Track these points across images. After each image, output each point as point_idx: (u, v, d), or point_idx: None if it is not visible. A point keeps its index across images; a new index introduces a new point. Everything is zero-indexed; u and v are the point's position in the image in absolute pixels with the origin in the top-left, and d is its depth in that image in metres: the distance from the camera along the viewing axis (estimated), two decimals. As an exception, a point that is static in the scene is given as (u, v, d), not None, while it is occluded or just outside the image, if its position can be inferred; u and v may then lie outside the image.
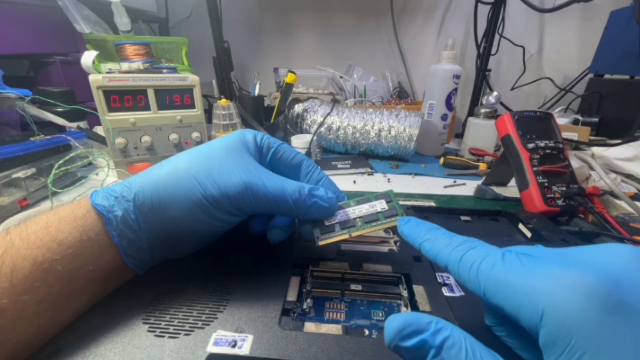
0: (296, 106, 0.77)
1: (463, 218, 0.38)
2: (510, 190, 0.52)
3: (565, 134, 0.69)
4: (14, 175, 0.42)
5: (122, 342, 0.18)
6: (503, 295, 0.15)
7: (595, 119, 0.82)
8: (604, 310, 0.12)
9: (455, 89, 0.70)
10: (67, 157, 0.45)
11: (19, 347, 0.18)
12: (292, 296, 0.23)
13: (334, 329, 0.20)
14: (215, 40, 0.83)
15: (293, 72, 0.69)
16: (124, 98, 0.50)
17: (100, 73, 0.49)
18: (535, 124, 0.45)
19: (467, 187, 0.56)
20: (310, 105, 0.75)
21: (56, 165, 0.43)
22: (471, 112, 0.85)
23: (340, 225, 0.24)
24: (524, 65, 0.99)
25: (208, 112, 0.69)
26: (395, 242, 0.30)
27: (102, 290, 0.22)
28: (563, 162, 0.43)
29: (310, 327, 0.20)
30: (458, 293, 0.23)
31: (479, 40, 0.87)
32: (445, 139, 0.75)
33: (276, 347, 0.18)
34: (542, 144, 0.43)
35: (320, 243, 0.24)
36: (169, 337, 0.19)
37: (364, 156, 0.72)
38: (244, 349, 0.18)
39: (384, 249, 0.29)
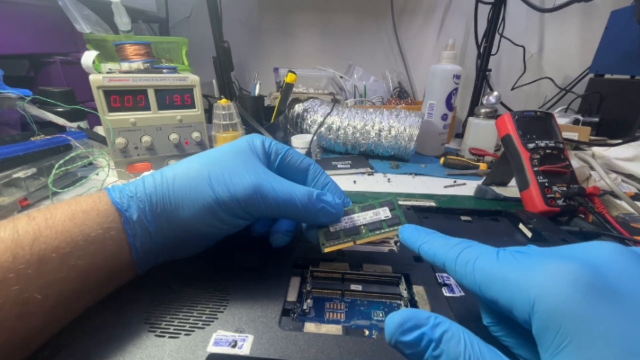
0: (296, 106, 0.77)
1: (463, 218, 0.38)
2: (511, 190, 0.52)
3: (566, 134, 0.69)
4: (14, 175, 0.42)
5: (122, 342, 0.18)
6: (497, 288, 0.15)
7: (596, 119, 0.82)
8: (590, 295, 0.12)
9: (456, 89, 0.70)
10: (67, 157, 0.45)
11: (19, 344, 0.17)
12: (292, 296, 0.23)
13: (334, 329, 0.20)
14: (215, 40, 0.83)
15: (293, 72, 0.69)
16: (124, 98, 0.50)
17: (101, 73, 0.49)
18: (536, 124, 0.45)
19: (468, 187, 0.56)
20: (310, 105, 0.75)
21: (56, 165, 0.43)
22: (471, 112, 0.84)
23: (345, 232, 0.25)
24: (525, 65, 0.99)
25: (208, 112, 0.69)
26: (396, 243, 0.30)
27: (104, 291, 0.22)
28: (563, 162, 0.43)
29: (310, 327, 0.20)
30: (458, 293, 0.23)
31: (479, 40, 0.87)
32: (445, 139, 0.75)
33: (276, 347, 0.18)
34: (542, 144, 0.43)
35: (326, 250, 0.24)
36: (170, 337, 0.19)
37: (364, 156, 0.72)
38: (244, 349, 0.18)
39: (384, 249, 0.29)
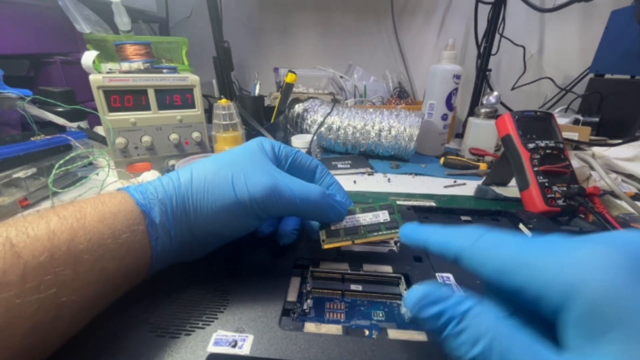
0: (296, 106, 0.77)
1: (463, 218, 0.38)
2: (511, 190, 0.52)
3: (566, 134, 0.69)
4: (15, 175, 0.42)
5: (123, 342, 0.18)
6: (526, 274, 0.14)
7: (596, 119, 0.82)
8: (636, 281, 0.12)
9: (456, 89, 0.70)
10: (67, 157, 0.45)
11: (47, 347, 0.16)
12: (292, 296, 0.23)
13: (334, 329, 0.20)
14: (215, 40, 0.83)
15: (293, 72, 0.69)
16: (125, 98, 0.50)
17: (101, 73, 0.49)
18: (536, 124, 0.45)
19: (468, 187, 0.56)
20: (310, 105, 0.75)
21: (57, 165, 0.43)
22: (471, 112, 0.84)
23: (345, 231, 0.26)
24: (525, 65, 0.99)
25: (208, 112, 0.69)
26: (396, 243, 0.30)
27: (120, 293, 0.21)
28: (563, 162, 0.43)
29: (310, 327, 0.20)
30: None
31: (480, 40, 0.87)
32: (445, 138, 0.75)
33: (276, 347, 0.18)
34: (542, 143, 0.43)
35: (326, 246, 0.25)
36: (170, 337, 0.19)
37: (364, 156, 0.72)
38: (244, 349, 0.18)
39: (384, 249, 0.29)
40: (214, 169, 0.23)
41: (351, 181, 0.59)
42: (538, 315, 0.14)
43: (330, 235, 0.26)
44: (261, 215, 0.23)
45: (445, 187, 0.56)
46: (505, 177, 0.54)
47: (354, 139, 0.70)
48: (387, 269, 0.26)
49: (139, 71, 0.52)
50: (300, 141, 0.63)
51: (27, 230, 0.16)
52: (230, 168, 0.23)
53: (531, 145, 0.43)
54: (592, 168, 0.50)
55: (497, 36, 0.86)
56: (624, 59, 0.78)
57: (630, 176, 0.58)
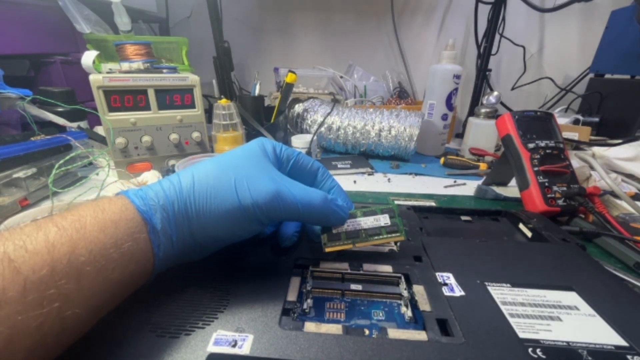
0: (296, 106, 0.77)
1: (463, 218, 0.38)
2: (511, 190, 0.52)
3: (566, 134, 0.69)
4: (15, 175, 0.42)
5: (123, 342, 0.18)
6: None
7: (596, 119, 0.82)
8: None
9: (456, 89, 0.70)
10: (67, 157, 0.45)
11: (50, 357, 0.16)
12: (292, 296, 0.23)
13: (334, 329, 0.20)
14: (215, 40, 0.83)
15: (293, 72, 0.69)
16: (125, 98, 0.50)
17: (101, 73, 0.49)
18: (536, 124, 0.45)
19: (468, 187, 0.56)
20: (310, 105, 0.75)
21: (57, 165, 0.43)
22: (471, 112, 0.84)
23: (346, 234, 0.26)
24: (525, 65, 0.99)
25: (208, 112, 0.69)
26: (396, 243, 0.30)
27: (120, 300, 0.20)
28: (564, 162, 0.43)
29: (310, 327, 0.20)
30: (458, 293, 0.23)
31: (480, 40, 0.87)
32: (445, 138, 0.75)
33: (276, 347, 0.18)
34: (542, 143, 0.43)
35: (327, 250, 0.26)
36: (170, 337, 0.19)
37: (364, 156, 0.72)
38: (244, 349, 0.18)
39: (384, 248, 0.29)
40: (216, 172, 0.23)
41: (351, 181, 0.59)
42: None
43: (332, 239, 0.26)
44: (264, 221, 0.23)
45: (445, 187, 0.56)
46: (505, 177, 0.54)
47: (354, 139, 0.70)
48: (387, 268, 0.26)
49: (139, 71, 0.52)
50: (300, 141, 0.63)
51: (25, 244, 0.15)
52: (233, 172, 0.23)
53: (531, 145, 0.43)
54: (592, 168, 0.50)
55: (497, 36, 0.86)
56: (624, 59, 0.78)
57: (630, 176, 0.58)
